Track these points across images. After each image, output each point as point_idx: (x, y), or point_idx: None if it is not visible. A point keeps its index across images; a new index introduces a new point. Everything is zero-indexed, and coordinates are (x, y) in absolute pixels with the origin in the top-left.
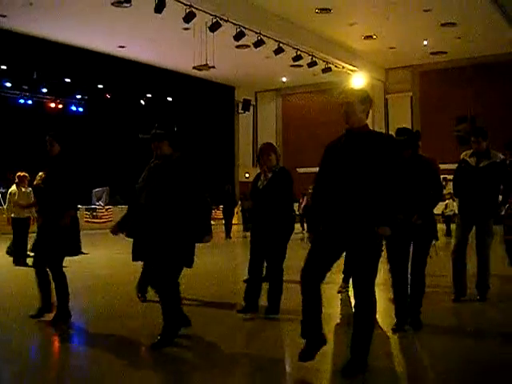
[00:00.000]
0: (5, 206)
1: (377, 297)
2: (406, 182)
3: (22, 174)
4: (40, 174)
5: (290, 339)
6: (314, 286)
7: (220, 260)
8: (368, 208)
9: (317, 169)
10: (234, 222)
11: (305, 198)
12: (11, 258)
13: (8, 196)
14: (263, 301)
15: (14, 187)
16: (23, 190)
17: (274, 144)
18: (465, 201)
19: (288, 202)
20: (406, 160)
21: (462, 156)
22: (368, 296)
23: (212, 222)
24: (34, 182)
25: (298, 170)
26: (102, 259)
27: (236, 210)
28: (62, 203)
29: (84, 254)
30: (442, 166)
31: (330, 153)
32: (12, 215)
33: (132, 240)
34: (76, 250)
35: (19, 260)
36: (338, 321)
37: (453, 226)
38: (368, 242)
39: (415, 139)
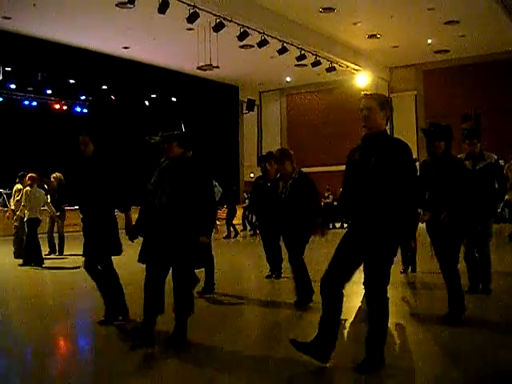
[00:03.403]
0: (23, 206)
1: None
2: (436, 180)
3: (34, 175)
4: (54, 175)
5: (299, 335)
6: (335, 291)
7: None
8: (385, 211)
9: (322, 168)
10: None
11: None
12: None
13: (24, 196)
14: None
15: (28, 187)
16: (33, 190)
17: (287, 148)
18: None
19: (315, 206)
20: (438, 158)
21: None
22: (381, 295)
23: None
24: (51, 184)
25: (302, 169)
26: None
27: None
28: (103, 204)
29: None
30: None
31: (351, 158)
32: (31, 216)
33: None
34: (119, 249)
35: (31, 260)
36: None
37: None
38: (385, 242)
39: (448, 133)
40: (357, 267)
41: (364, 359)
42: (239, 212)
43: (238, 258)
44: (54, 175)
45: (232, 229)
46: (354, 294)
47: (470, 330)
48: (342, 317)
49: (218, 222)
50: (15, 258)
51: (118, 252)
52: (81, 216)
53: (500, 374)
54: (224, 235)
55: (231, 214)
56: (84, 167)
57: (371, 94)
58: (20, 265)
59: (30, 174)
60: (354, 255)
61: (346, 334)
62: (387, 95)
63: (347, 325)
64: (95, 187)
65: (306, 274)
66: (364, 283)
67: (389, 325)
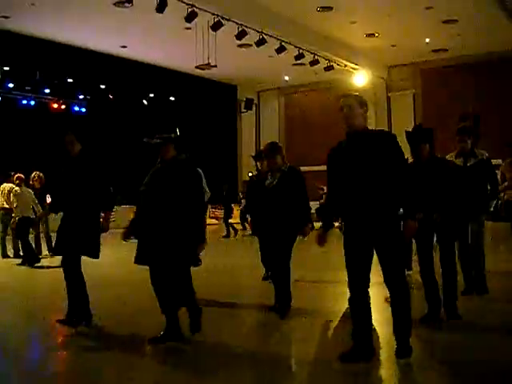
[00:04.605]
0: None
1: (373, 296)
2: (424, 182)
3: (21, 175)
4: (34, 173)
5: (296, 336)
6: (363, 295)
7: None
8: (384, 202)
9: (320, 167)
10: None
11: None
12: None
13: (13, 196)
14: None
15: (17, 187)
16: (22, 189)
17: (277, 142)
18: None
19: (304, 199)
20: (423, 160)
21: (447, 158)
22: (402, 283)
23: (215, 221)
24: (30, 182)
25: (301, 168)
26: (103, 259)
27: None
28: (84, 203)
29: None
30: None
31: (335, 158)
32: (22, 215)
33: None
34: (95, 252)
35: (34, 260)
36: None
37: None
38: (392, 233)
39: (429, 135)
40: (370, 262)
41: (398, 347)
42: (237, 212)
43: (235, 258)
44: (37, 174)
45: (231, 228)
46: (340, 294)
47: (467, 330)
48: (328, 318)
49: (216, 221)
50: (14, 257)
51: (95, 254)
52: (62, 215)
53: (499, 374)
54: (224, 234)
55: (228, 213)
56: (70, 166)
57: (349, 94)
58: (18, 264)
59: (17, 175)
60: (365, 252)
61: (332, 336)
62: (385, 94)
63: (333, 325)
64: (80, 186)
65: (289, 280)
66: (384, 278)
67: (385, 325)
